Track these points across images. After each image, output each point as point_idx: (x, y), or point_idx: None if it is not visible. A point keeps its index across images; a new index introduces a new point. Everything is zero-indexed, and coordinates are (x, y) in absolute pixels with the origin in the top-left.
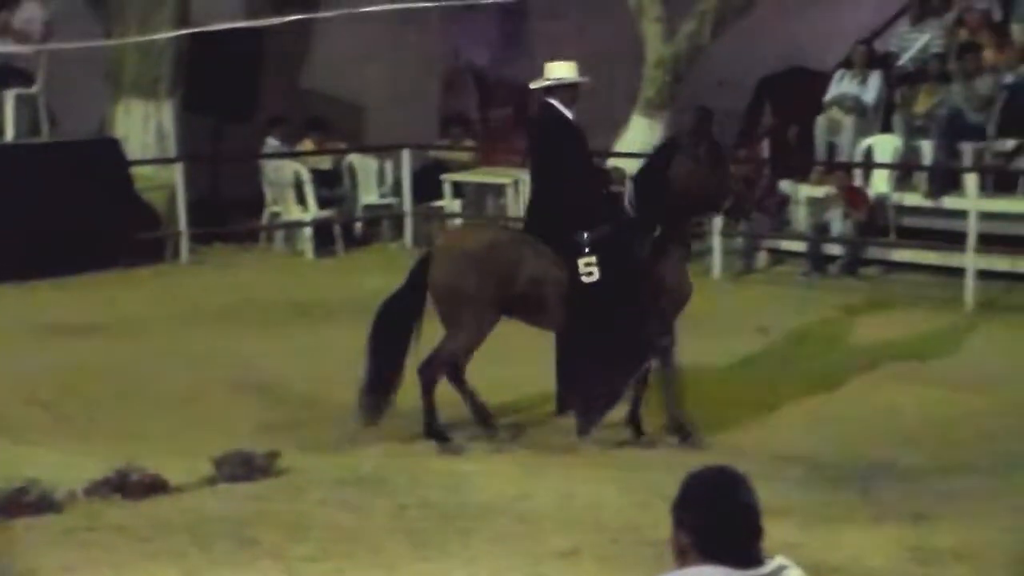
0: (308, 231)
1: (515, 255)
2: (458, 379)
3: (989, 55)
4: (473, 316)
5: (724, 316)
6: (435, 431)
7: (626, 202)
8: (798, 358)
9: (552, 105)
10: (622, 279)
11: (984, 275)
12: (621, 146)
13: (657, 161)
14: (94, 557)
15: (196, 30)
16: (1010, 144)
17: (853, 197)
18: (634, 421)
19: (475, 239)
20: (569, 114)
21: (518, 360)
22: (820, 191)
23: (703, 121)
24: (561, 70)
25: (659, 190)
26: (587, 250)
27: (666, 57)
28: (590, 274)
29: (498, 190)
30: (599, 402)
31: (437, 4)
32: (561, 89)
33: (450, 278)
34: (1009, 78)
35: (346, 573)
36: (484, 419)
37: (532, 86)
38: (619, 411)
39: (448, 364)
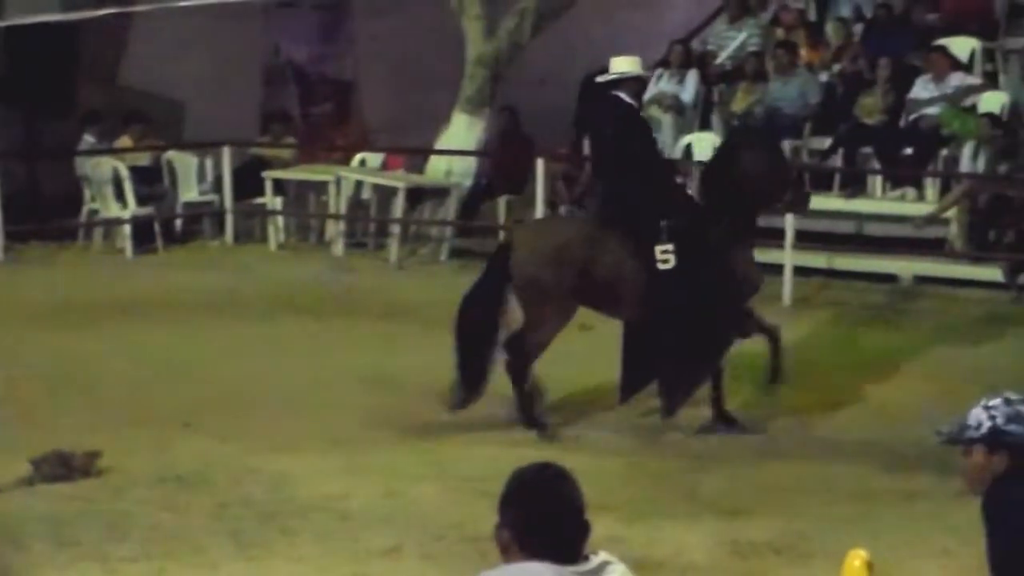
0: (127, 228)
1: (595, 246)
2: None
3: (804, 54)
4: (555, 306)
5: None
6: (533, 419)
7: (693, 193)
8: (581, 359)
9: (621, 99)
10: (699, 266)
11: (801, 271)
12: (443, 143)
13: (725, 154)
14: None
15: (10, 23)
16: (826, 142)
17: None
18: (720, 411)
19: (555, 230)
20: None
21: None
22: None
23: (510, 120)
24: (626, 64)
25: (727, 182)
26: (665, 238)
27: (486, 55)
28: (666, 261)
29: (320, 187)
30: (684, 386)
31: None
32: (627, 82)
33: (532, 269)
34: (824, 77)
35: (168, 573)
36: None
37: (599, 80)
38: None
39: (535, 353)
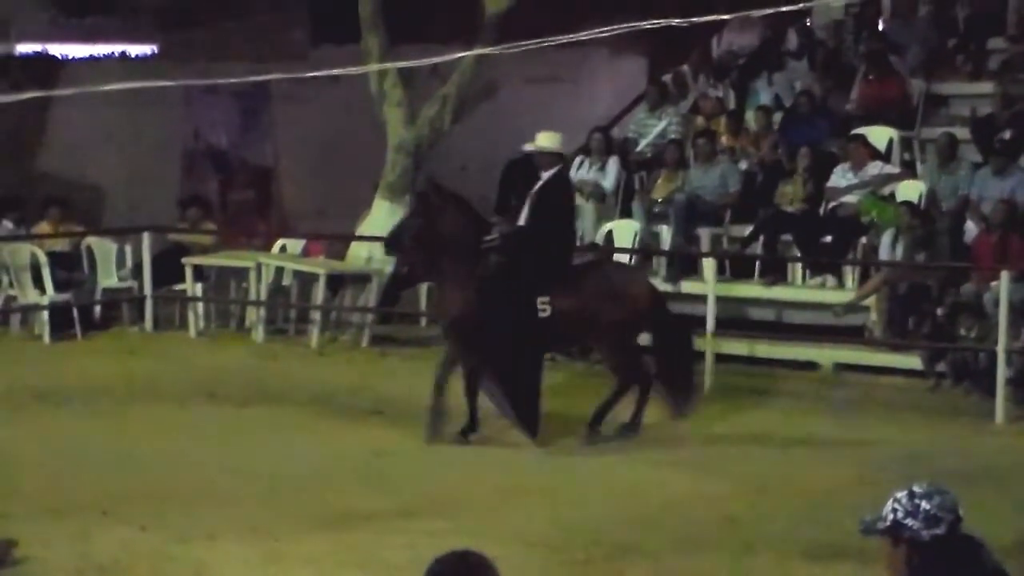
0: (45, 314)
1: None
2: None
3: (724, 141)
4: None
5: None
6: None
7: None
8: (504, 443)
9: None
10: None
11: (722, 359)
12: (364, 229)
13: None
14: None
15: None
16: (746, 230)
17: None
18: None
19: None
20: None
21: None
22: None
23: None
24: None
25: None
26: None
27: (408, 141)
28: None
29: (240, 273)
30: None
31: (175, 84)
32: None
33: None
34: (744, 165)
35: None
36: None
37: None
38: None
39: None
